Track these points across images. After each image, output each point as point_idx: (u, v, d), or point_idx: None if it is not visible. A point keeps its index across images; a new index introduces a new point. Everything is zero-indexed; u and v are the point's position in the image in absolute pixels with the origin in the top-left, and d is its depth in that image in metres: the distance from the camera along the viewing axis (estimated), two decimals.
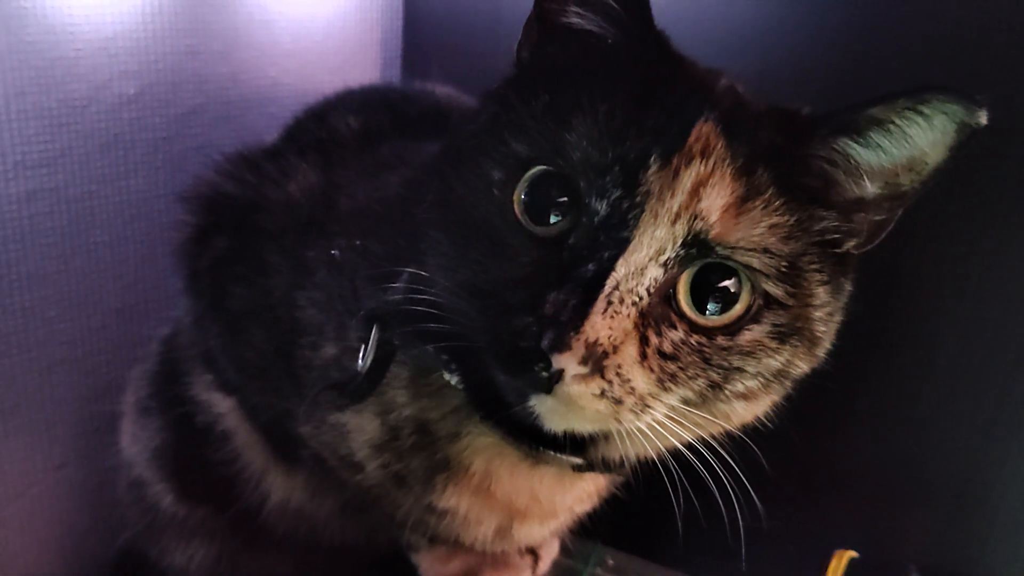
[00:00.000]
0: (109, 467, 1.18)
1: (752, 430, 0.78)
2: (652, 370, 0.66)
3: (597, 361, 0.64)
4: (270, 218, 0.96)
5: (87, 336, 1.20)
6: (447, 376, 0.79)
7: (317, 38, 1.39)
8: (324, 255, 0.88)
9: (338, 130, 1.05)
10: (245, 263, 0.95)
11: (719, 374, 0.69)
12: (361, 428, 0.87)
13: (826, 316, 0.72)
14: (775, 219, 0.67)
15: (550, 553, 1.13)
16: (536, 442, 0.78)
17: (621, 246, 0.65)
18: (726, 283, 0.68)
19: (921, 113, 0.66)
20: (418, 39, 1.51)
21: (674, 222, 0.65)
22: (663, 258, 0.66)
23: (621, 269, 0.65)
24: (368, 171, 0.96)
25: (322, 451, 0.92)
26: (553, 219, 0.69)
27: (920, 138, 0.67)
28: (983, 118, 0.64)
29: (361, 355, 0.79)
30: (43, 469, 1.20)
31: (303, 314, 0.89)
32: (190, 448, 1.06)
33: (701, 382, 0.68)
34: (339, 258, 0.86)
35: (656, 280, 0.66)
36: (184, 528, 1.10)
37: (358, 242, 0.85)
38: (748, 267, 0.67)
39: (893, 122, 0.67)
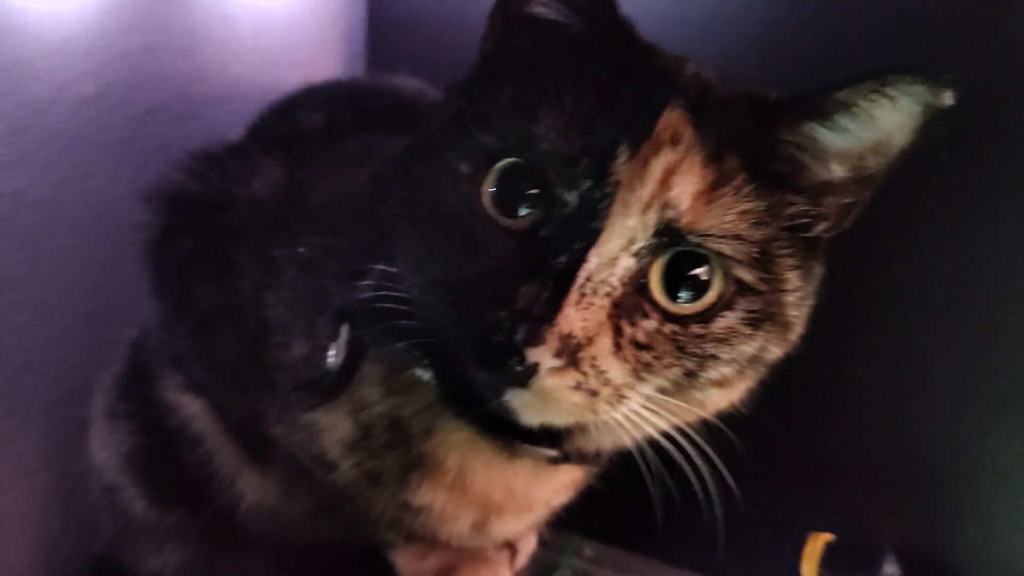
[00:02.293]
0: (81, 473, 1.16)
1: (727, 416, 0.78)
2: (627, 360, 0.66)
3: (572, 353, 0.63)
4: (236, 216, 0.95)
5: (54, 341, 1.18)
6: (419, 372, 0.79)
7: (279, 33, 1.37)
8: (291, 253, 0.87)
9: (303, 126, 1.04)
10: (212, 263, 0.94)
11: (694, 362, 0.69)
12: (333, 427, 0.86)
13: (798, 301, 0.72)
14: (746, 205, 0.67)
15: (527, 546, 1.13)
16: (511, 436, 0.78)
17: (592, 237, 0.65)
18: (698, 271, 0.67)
19: (887, 95, 0.66)
20: (382, 32, 1.50)
21: (645, 211, 0.65)
22: (635, 248, 0.65)
23: (593, 260, 0.64)
24: (335, 167, 0.95)
25: (295, 451, 0.91)
26: (523, 211, 0.68)
27: (886, 121, 0.67)
28: (948, 99, 0.64)
29: (331, 354, 0.78)
30: (13, 476, 1.18)
31: (272, 313, 0.88)
32: (161, 451, 1.04)
33: (676, 371, 0.68)
34: (307, 256, 0.85)
35: (628, 270, 0.66)
36: (158, 532, 1.09)
37: (326, 239, 0.85)
38: (720, 254, 0.67)
39: (859, 105, 0.67)
